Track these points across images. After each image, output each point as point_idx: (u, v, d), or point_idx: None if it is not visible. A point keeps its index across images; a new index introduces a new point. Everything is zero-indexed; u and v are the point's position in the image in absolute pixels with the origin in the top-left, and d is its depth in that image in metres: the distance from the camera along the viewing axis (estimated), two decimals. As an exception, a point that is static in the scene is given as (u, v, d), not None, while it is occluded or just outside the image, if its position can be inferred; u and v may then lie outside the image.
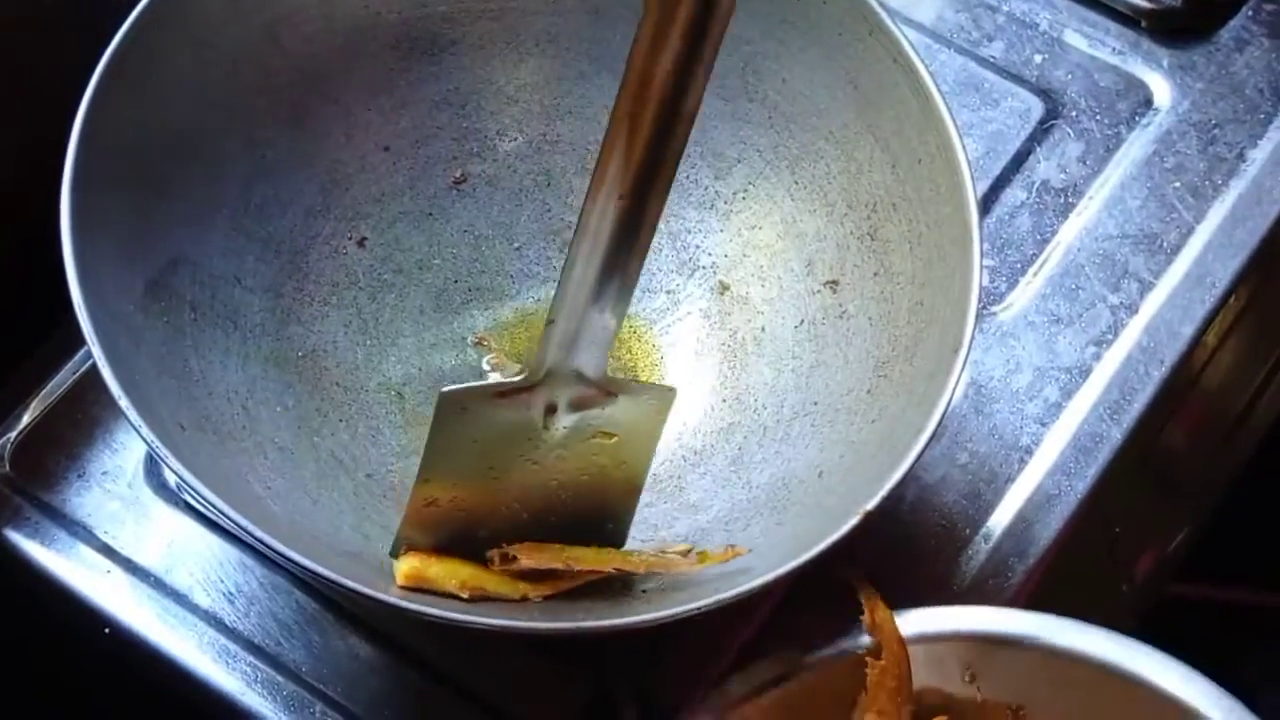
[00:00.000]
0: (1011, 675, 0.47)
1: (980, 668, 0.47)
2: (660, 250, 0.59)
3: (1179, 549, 0.66)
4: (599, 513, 0.50)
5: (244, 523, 0.45)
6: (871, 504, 0.46)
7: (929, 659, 0.47)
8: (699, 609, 0.45)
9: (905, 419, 0.49)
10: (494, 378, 0.57)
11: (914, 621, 0.48)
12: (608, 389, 0.48)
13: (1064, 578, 0.56)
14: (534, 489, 0.49)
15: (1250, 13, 0.66)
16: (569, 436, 0.49)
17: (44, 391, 0.59)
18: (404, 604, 0.46)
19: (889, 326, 0.53)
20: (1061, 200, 0.62)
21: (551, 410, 0.48)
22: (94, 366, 0.47)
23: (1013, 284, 0.61)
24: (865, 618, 0.48)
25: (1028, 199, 0.62)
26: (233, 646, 0.54)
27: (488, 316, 0.58)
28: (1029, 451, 0.57)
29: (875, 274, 0.54)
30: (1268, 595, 0.79)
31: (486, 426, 0.48)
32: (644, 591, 0.50)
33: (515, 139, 0.59)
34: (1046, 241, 0.61)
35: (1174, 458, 0.64)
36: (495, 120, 0.59)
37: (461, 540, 0.49)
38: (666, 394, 0.50)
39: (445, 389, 0.47)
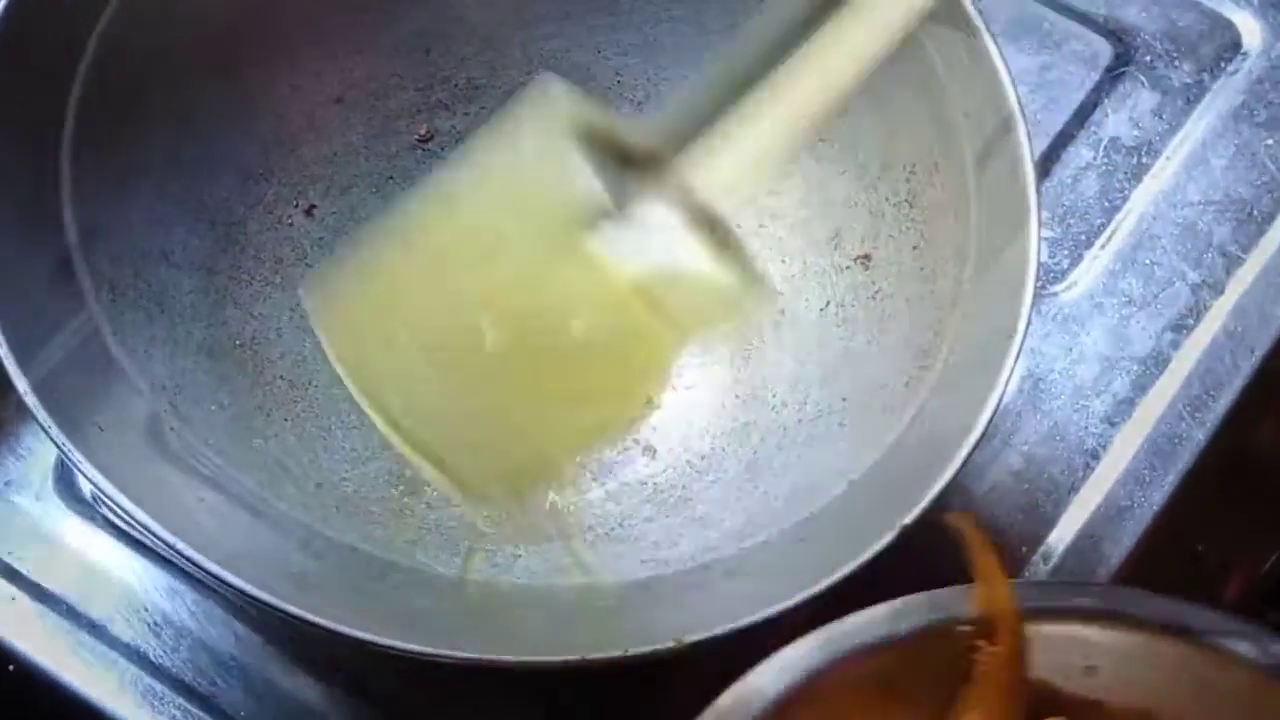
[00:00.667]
0: (1142, 674, 0.44)
1: (1102, 660, 0.44)
2: (661, 220, 0.59)
3: (1274, 570, 0.66)
4: (584, 391, 0.43)
5: (172, 540, 0.46)
6: (910, 518, 0.46)
7: (1043, 645, 0.44)
8: (706, 638, 0.45)
9: (949, 417, 0.49)
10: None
11: (1027, 594, 0.45)
12: (711, 233, 0.41)
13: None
14: (528, 305, 0.42)
15: (1356, -61, 0.66)
16: (616, 266, 0.41)
17: (-63, 388, 0.59)
18: (365, 636, 0.46)
19: (930, 309, 0.53)
20: (1134, 161, 0.62)
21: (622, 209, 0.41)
22: (-4, 357, 0.47)
23: (1076, 259, 0.61)
24: (977, 586, 0.45)
25: (1094, 159, 0.62)
26: (159, 686, 0.54)
27: (460, 299, 0.58)
28: (1095, 456, 0.57)
29: (914, 247, 0.54)
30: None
31: (549, 172, 0.41)
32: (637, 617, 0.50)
33: (490, 89, 0.59)
34: (1116, 209, 0.61)
35: (1267, 462, 0.64)
36: (466, 67, 0.59)
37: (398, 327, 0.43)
38: (763, 293, 0.44)
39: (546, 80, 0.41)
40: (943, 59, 0.53)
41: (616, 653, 0.46)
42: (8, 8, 0.50)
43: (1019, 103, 0.51)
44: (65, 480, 0.57)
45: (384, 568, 0.53)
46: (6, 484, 0.57)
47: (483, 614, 0.52)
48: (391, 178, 0.59)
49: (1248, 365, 0.59)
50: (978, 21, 0.51)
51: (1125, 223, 0.61)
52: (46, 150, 0.52)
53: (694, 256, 0.42)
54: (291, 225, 0.57)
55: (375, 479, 0.55)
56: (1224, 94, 0.63)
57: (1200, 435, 0.58)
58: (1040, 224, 0.50)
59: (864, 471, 0.51)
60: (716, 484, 0.55)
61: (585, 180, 0.41)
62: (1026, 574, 0.55)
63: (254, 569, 0.47)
